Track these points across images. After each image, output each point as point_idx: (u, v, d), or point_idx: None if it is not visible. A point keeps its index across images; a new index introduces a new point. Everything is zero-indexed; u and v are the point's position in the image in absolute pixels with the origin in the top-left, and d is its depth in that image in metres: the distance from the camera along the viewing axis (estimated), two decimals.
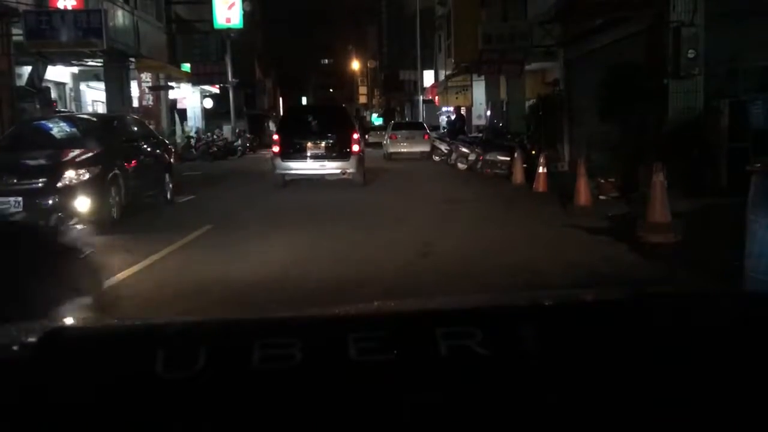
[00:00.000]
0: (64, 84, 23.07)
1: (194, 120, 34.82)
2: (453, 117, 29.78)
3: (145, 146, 12.02)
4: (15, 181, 9.28)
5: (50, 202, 9.14)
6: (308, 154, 14.72)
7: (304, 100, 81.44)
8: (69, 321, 1.89)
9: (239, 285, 6.10)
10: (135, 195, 10.84)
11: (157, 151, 12.60)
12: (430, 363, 0.86)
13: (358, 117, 60.64)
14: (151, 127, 16.06)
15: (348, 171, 14.74)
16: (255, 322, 1.12)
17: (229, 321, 1.17)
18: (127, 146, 11.16)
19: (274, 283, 6.12)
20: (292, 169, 14.84)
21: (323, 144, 14.80)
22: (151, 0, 25.85)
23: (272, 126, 47.05)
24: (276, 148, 14.79)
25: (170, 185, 12.70)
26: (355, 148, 14.85)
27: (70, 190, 9.32)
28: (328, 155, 14.72)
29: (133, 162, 10.95)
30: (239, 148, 32.89)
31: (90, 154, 9.96)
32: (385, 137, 28.88)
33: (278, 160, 14.71)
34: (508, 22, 21.16)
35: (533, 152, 16.65)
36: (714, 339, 0.96)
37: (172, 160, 13.38)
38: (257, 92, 49.84)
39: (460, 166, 19.59)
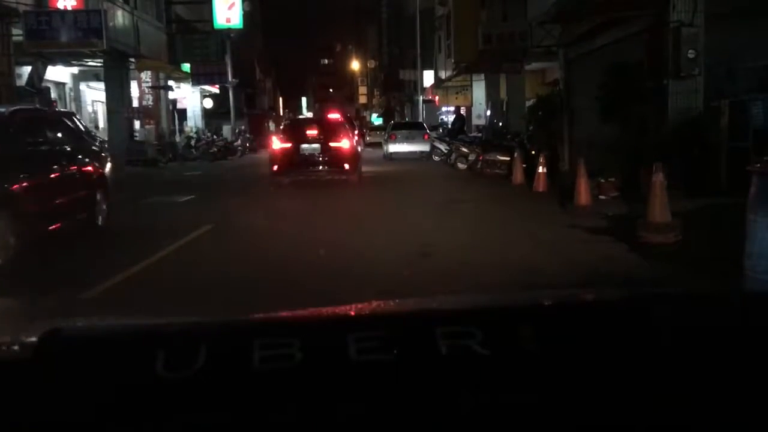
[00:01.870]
0: (64, 84, 23.10)
1: (194, 120, 34.85)
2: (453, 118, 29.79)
3: (62, 154, 8.71)
4: None
5: None
6: None
7: (304, 101, 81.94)
8: (69, 321, 1.89)
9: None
10: (42, 223, 7.68)
11: (85, 159, 9.25)
12: (430, 363, 0.86)
13: (358, 117, 60.97)
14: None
15: None
16: (255, 322, 1.12)
17: (229, 321, 1.17)
18: (30, 154, 7.92)
19: None
20: None
21: None
22: (151, 0, 25.87)
23: (272, 126, 47.11)
24: None
25: (103, 206, 9.40)
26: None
27: None
28: None
29: (39, 177, 7.85)
30: (239, 148, 32.93)
31: None
32: (385, 137, 28.88)
33: None
34: (508, 22, 21.15)
35: (533, 152, 16.64)
36: (714, 339, 0.96)
37: (107, 170, 10.19)
38: (257, 92, 49.89)
39: (460, 166, 19.58)
